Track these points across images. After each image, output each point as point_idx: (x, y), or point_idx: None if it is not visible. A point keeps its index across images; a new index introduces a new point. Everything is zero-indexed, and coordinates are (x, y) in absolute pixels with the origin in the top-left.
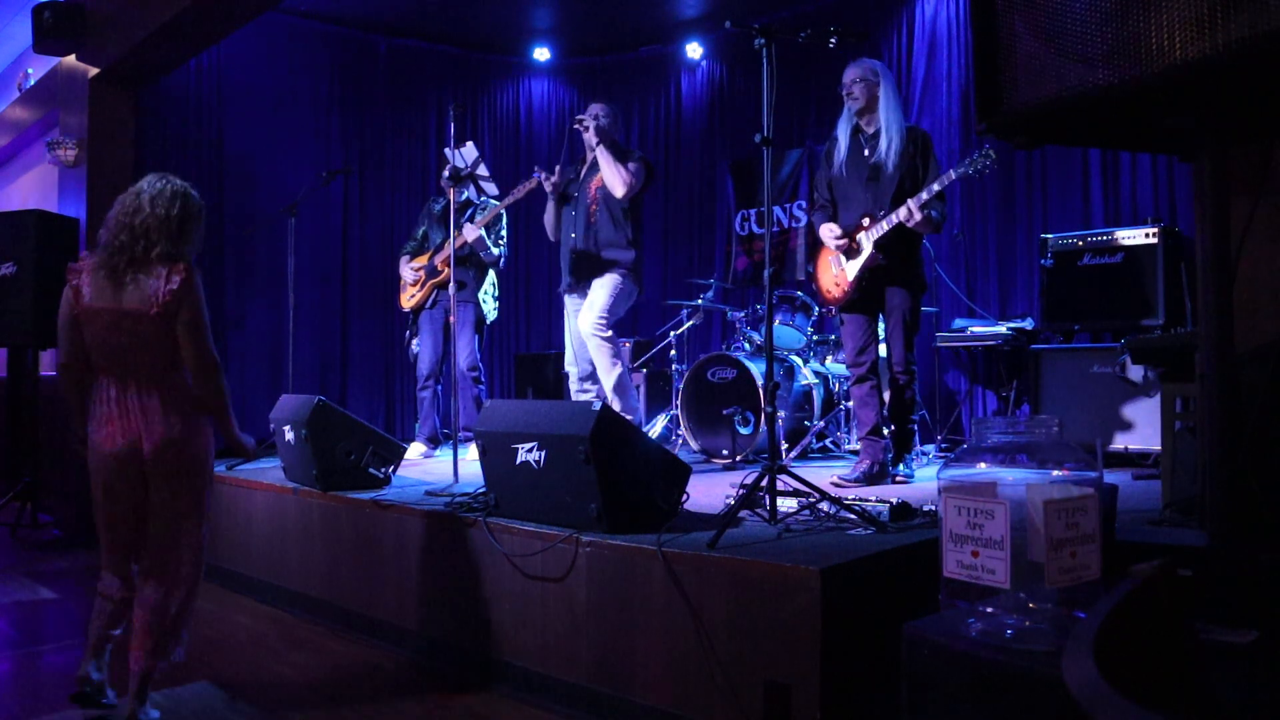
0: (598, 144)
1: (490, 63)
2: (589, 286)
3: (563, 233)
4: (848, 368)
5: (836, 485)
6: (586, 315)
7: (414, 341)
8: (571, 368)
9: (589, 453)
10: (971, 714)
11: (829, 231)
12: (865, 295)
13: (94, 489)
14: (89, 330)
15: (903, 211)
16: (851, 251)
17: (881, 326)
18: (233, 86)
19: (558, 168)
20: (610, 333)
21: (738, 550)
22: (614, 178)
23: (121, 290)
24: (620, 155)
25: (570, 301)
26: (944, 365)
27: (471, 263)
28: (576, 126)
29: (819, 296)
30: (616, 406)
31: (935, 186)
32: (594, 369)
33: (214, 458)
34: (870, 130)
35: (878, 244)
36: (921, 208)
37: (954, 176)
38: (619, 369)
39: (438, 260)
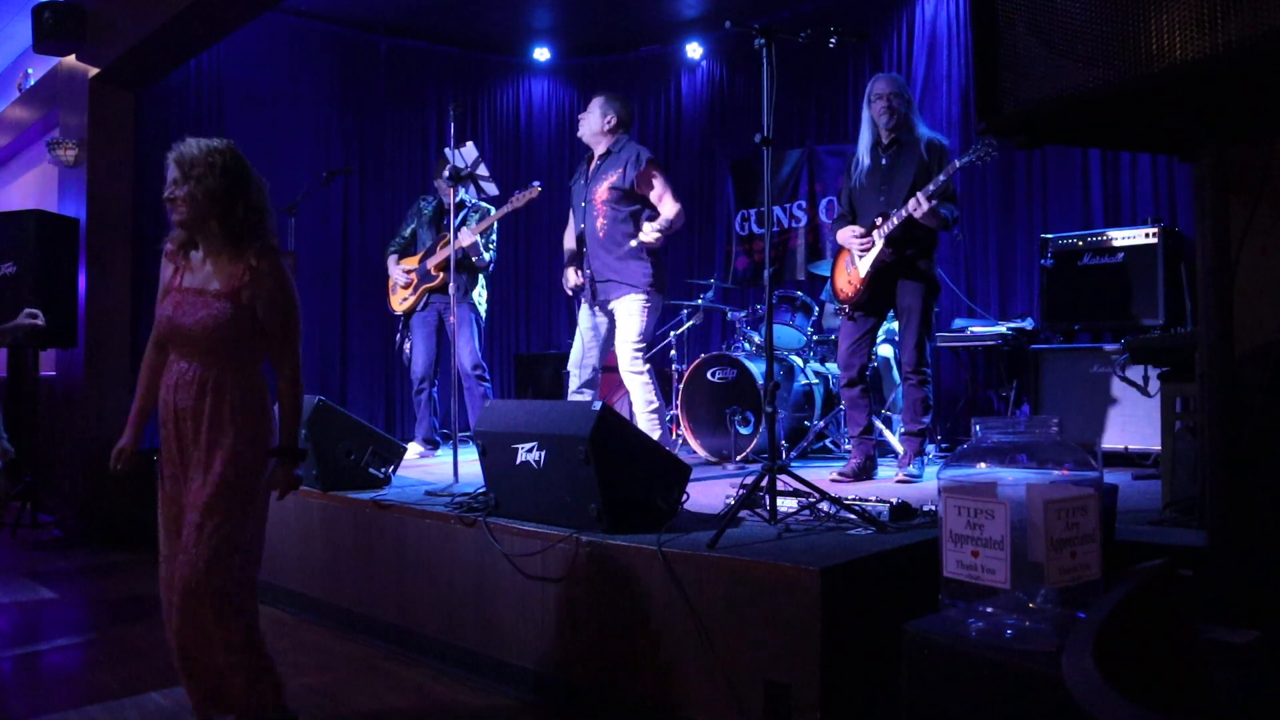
0: (656, 238)
1: (490, 63)
2: (610, 304)
3: (587, 247)
4: (839, 368)
5: (835, 480)
6: (623, 350)
7: (406, 345)
8: (575, 370)
9: (589, 453)
10: (971, 714)
11: (848, 232)
12: (875, 294)
13: None
14: None
15: (911, 203)
16: (865, 248)
17: (891, 327)
18: (233, 86)
19: (568, 236)
20: (648, 365)
21: (738, 550)
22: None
23: None
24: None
25: (586, 307)
26: (944, 365)
27: (464, 265)
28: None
29: (836, 298)
30: None
31: (941, 177)
32: (597, 375)
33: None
34: (887, 140)
35: (888, 239)
36: (929, 198)
37: (959, 165)
38: (656, 404)
39: (430, 264)
